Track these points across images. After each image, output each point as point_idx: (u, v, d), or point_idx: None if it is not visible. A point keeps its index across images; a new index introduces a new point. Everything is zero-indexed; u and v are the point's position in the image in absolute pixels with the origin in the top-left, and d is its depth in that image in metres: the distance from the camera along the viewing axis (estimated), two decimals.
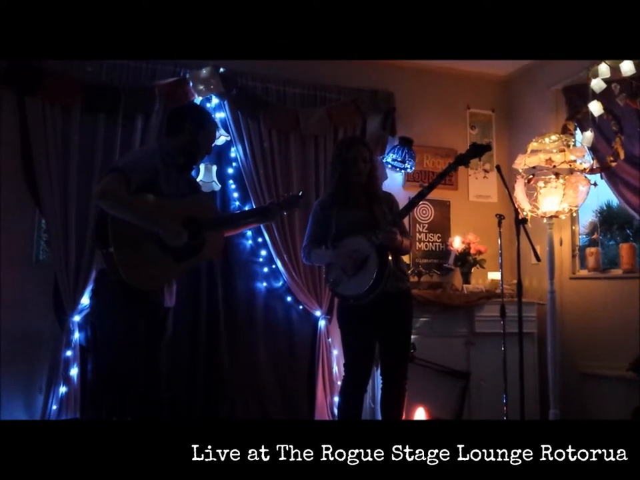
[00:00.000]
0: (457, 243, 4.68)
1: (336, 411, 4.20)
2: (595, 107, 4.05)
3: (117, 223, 2.48)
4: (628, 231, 4.86)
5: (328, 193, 3.16)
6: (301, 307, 4.40)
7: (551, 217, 4.12)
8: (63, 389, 3.77)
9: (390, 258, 2.89)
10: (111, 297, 2.59)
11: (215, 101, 4.28)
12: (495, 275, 4.55)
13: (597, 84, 4.03)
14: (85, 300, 3.85)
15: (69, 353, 3.81)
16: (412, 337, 4.04)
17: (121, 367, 2.60)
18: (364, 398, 3.11)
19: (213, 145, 2.90)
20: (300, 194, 2.95)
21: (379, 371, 3.11)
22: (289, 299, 4.40)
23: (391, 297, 2.95)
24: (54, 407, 3.75)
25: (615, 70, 3.96)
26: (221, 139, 4.24)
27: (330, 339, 4.36)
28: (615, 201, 4.74)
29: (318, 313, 4.37)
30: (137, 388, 2.63)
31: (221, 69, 4.21)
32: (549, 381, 4.15)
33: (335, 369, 4.34)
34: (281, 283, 4.40)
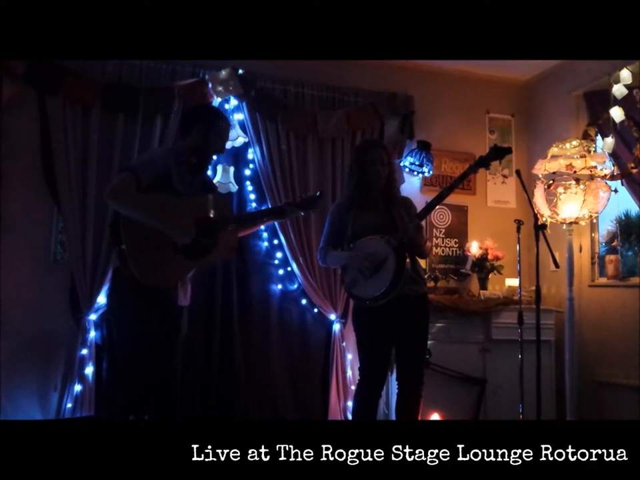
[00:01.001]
0: (474, 249, 4.64)
1: (349, 415, 4.18)
2: (616, 113, 4.02)
3: (128, 221, 2.51)
4: None
5: (346, 195, 3.14)
6: (315, 310, 4.39)
7: (571, 223, 4.07)
8: (77, 387, 3.79)
9: (408, 260, 2.86)
10: (125, 294, 2.62)
11: (233, 102, 4.29)
12: (512, 282, 4.50)
13: (618, 90, 4.00)
14: (102, 299, 3.87)
15: (84, 352, 3.84)
16: (428, 342, 4.03)
17: (135, 363, 2.61)
18: (379, 403, 3.08)
19: (225, 145, 2.90)
20: (318, 194, 2.93)
21: (394, 375, 3.08)
22: (303, 301, 4.39)
23: (408, 301, 2.92)
24: (69, 405, 3.78)
25: (637, 76, 3.93)
26: (239, 140, 4.25)
27: (344, 343, 4.34)
28: (633, 210, 4.68)
29: (333, 317, 4.35)
30: (151, 385, 2.63)
31: (240, 71, 4.22)
32: (566, 390, 4.09)
33: (349, 373, 4.32)
34: (296, 286, 4.40)
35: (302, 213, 3.00)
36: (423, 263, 4.58)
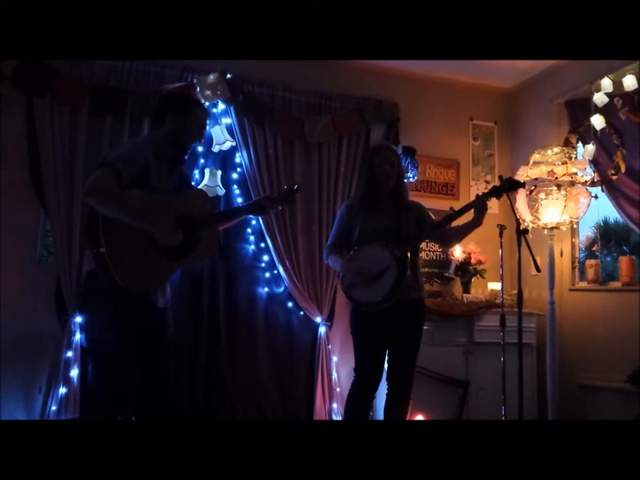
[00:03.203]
0: (457, 253, 4.70)
1: (334, 417, 4.22)
2: (597, 121, 4.10)
3: (108, 221, 2.35)
4: (625, 248, 4.89)
5: (355, 197, 3.17)
6: (301, 313, 4.41)
7: (552, 228, 4.15)
8: (62, 390, 3.78)
9: (408, 272, 2.89)
10: (102, 299, 2.48)
11: (221, 106, 4.32)
12: (494, 285, 4.57)
13: (599, 98, 4.09)
14: None
15: (69, 354, 3.82)
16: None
17: (112, 369, 2.50)
18: (372, 403, 3.07)
19: (203, 132, 2.71)
20: (295, 187, 2.82)
21: (383, 377, 3.10)
22: (289, 304, 4.42)
23: (404, 306, 2.96)
24: (53, 408, 3.76)
25: (618, 84, 4.02)
26: (227, 144, 4.27)
27: (330, 346, 4.37)
28: (612, 216, 4.78)
29: (318, 319, 4.38)
30: (131, 391, 2.54)
31: (228, 75, 4.26)
32: (548, 392, 4.15)
33: (335, 375, 4.35)
34: (282, 289, 4.42)
35: (280, 208, 2.91)
36: None
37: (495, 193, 2.96)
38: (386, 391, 3.06)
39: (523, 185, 3.04)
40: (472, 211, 2.98)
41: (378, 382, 3.03)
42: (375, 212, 3.04)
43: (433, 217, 3.22)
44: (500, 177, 3.02)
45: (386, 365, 3.06)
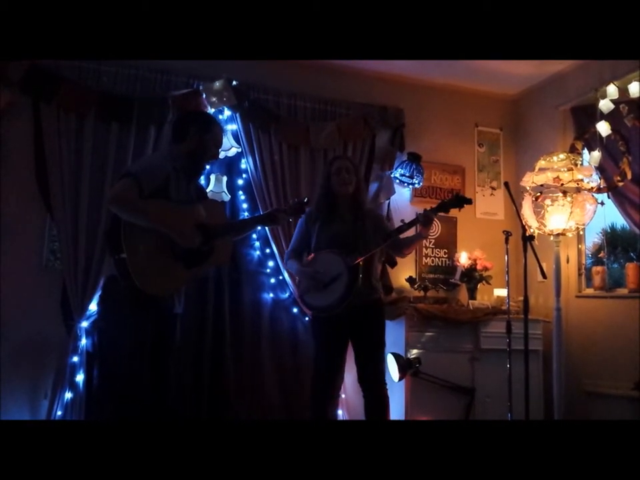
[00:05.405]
0: (463, 259, 4.70)
1: None
2: (603, 127, 4.10)
3: (130, 228, 2.47)
4: (632, 254, 4.87)
5: (314, 206, 3.26)
6: (306, 319, 4.40)
7: (558, 234, 4.14)
8: (68, 395, 3.78)
9: (360, 277, 2.99)
10: (121, 303, 2.62)
11: (227, 113, 4.34)
12: (500, 292, 4.56)
13: (604, 104, 4.08)
14: (93, 306, 3.86)
15: (75, 359, 3.82)
16: (417, 351, 4.08)
17: (128, 373, 2.61)
18: (330, 404, 3.21)
19: (219, 150, 2.91)
20: (305, 200, 2.97)
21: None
22: (294, 310, 4.41)
23: (361, 309, 3.07)
24: (59, 413, 3.76)
25: (623, 91, 4.02)
26: (232, 150, 4.29)
27: None
28: (618, 223, 4.77)
29: None
30: (143, 394, 2.62)
31: (234, 82, 4.27)
32: (554, 399, 4.13)
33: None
34: (287, 294, 4.42)
35: (290, 219, 3.07)
36: (412, 272, 4.66)
37: (442, 207, 3.08)
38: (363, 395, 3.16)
39: (469, 201, 3.10)
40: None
41: (333, 383, 3.16)
42: (332, 220, 3.16)
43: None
44: (455, 193, 3.21)
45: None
